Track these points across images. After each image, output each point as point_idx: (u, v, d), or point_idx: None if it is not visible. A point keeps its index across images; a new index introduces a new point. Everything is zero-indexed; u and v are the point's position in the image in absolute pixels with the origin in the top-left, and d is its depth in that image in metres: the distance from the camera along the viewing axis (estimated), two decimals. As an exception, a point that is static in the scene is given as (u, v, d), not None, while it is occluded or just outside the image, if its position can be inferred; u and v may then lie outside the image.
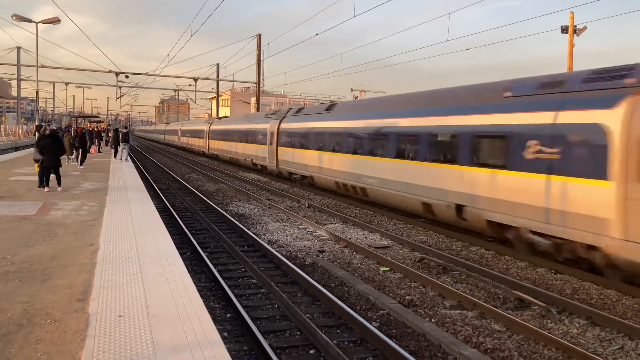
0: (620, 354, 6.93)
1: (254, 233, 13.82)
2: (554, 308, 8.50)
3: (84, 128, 33.06)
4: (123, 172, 22.58)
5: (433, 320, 7.97)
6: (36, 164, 16.96)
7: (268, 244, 12.71)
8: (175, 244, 9.07)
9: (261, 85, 47.67)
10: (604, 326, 7.86)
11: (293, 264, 10.63)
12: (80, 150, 25.02)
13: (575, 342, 7.21)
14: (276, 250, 11.82)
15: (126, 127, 40.95)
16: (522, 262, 11.59)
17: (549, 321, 8.05)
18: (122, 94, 57.59)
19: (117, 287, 6.38)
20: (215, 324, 5.39)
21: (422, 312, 8.30)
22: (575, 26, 24.63)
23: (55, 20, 31.58)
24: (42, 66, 41.25)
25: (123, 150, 30.01)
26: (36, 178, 16.41)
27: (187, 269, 7.51)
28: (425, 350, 6.90)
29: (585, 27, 24.86)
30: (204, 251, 11.56)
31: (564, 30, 24.69)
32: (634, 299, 9.08)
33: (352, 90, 74.03)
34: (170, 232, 10.17)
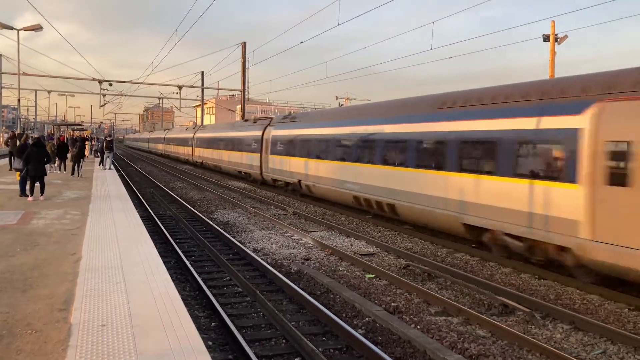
0: (603, 358, 7.00)
1: (239, 241, 13.76)
2: (538, 313, 8.56)
3: (73, 136, 32.67)
4: (107, 180, 22.37)
5: (418, 326, 7.98)
6: (17, 173, 16.72)
7: (253, 252, 12.65)
8: (160, 252, 8.99)
9: (246, 93, 47.62)
10: (587, 331, 7.93)
11: (278, 271, 10.59)
12: (63, 160, 24.81)
13: (558, 347, 7.27)
14: (261, 258, 11.77)
15: (110, 136, 40.63)
16: (506, 268, 11.68)
17: (533, 326, 8.11)
18: (105, 102, 57.13)
19: (99, 296, 6.30)
20: (199, 333, 5.35)
21: (408, 319, 8.31)
22: (556, 34, 25.01)
23: (37, 28, 31.29)
24: (24, 74, 40.81)
25: (107, 158, 29.76)
26: (17, 187, 16.18)
27: (172, 277, 7.45)
28: (410, 356, 6.90)
29: (566, 36, 25.25)
30: (188, 260, 11.47)
31: (546, 38, 25.06)
32: (616, 304, 9.19)
33: (337, 98, 74.33)
34: (154, 240, 10.08)
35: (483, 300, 9.29)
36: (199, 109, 76.74)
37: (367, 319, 8.30)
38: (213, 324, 7.89)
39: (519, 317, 8.47)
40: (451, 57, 26.91)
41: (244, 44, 44.54)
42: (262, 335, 7.49)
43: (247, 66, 44.92)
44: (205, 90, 58.44)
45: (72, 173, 23.97)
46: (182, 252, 12.08)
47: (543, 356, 6.91)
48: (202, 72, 57.75)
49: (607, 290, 9.64)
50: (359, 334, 7.29)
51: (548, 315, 8.59)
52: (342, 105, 65.71)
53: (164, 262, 8.25)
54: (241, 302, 9.06)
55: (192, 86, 51.19)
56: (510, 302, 8.83)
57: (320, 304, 8.55)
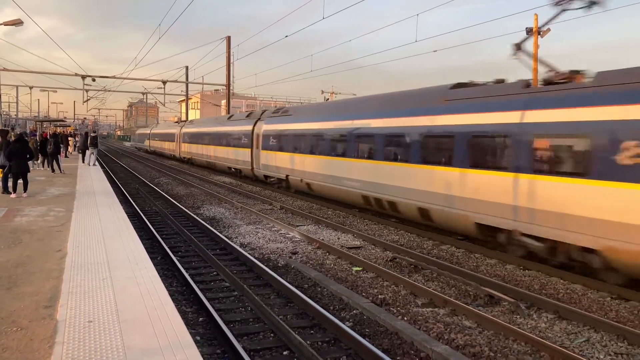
0: (587, 346, 7.12)
1: (225, 236, 13.73)
2: (523, 303, 8.67)
3: (55, 132, 32.19)
4: (91, 176, 22.17)
5: (405, 318, 8.05)
6: None
7: (240, 246, 12.64)
8: (146, 248, 8.95)
9: (231, 88, 47.38)
10: (570, 320, 8.06)
11: (266, 266, 10.60)
12: (46, 156, 24.53)
13: (543, 336, 7.38)
14: (249, 253, 11.77)
15: (94, 131, 40.21)
16: (491, 259, 11.80)
17: (518, 316, 8.21)
18: (88, 98, 56.50)
19: (86, 292, 6.27)
20: (187, 328, 5.35)
21: (395, 311, 8.38)
22: (539, 28, 25.18)
23: (17, 22, 30.77)
24: (4, 69, 40.19)
25: (91, 154, 29.48)
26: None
27: (158, 273, 7.42)
28: (398, 348, 6.96)
29: (549, 29, 25.43)
30: (175, 255, 11.43)
31: (529, 31, 25.21)
32: (599, 293, 9.34)
33: (322, 92, 74.16)
34: (140, 236, 10.03)
35: (469, 291, 9.39)
36: (183, 104, 76.20)
37: (354, 311, 8.35)
38: (201, 319, 7.88)
39: (505, 307, 8.58)
40: (436, 51, 27.00)
41: (229, 38, 44.28)
42: (250, 329, 7.50)
43: (231, 60, 44.67)
44: (189, 85, 58.07)
45: (53, 170, 23.73)
46: (168, 247, 12.03)
47: (528, 345, 7.01)
48: (187, 67, 57.34)
49: (590, 280, 9.79)
50: (347, 326, 7.33)
51: (533, 305, 8.71)
52: (328, 99, 65.65)
53: (151, 258, 8.22)
54: (229, 296, 9.06)
55: (176, 81, 50.76)
56: (495, 292, 8.94)
57: (308, 297, 8.58)
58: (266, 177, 25.56)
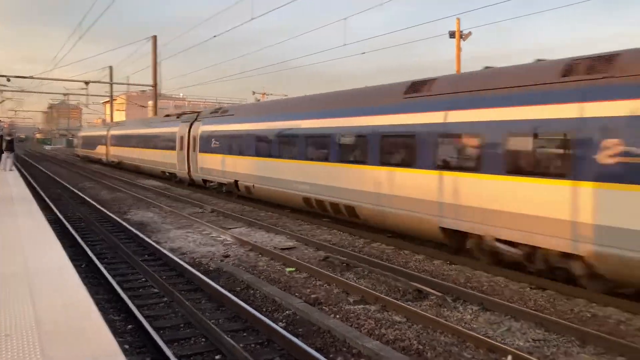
0: (508, 335, 7.50)
1: (154, 241, 13.37)
2: (450, 297, 9.02)
3: None
4: (8, 182, 20.90)
5: (338, 316, 8.16)
6: None
7: (170, 251, 12.35)
8: (69, 256, 8.54)
9: (158, 89, 46.13)
10: (494, 310, 8.46)
11: (197, 270, 10.41)
12: None
13: (468, 327, 7.70)
14: (179, 258, 11.52)
15: (10, 135, 37.92)
16: (420, 255, 12.18)
17: (445, 309, 8.53)
18: (3, 99, 53.25)
19: (2, 305, 5.91)
20: (115, 337, 5.16)
21: (328, 309, 8.47)
22: (461, 31, 26.23)
23: None
24: None
25: (7, 159, 27.79)
26: None
27: (83, 281, 7.11)
28: (331, 346, 7.05)
29: (470, 33, 26.54)
30: (101, 262, 11.00)
31: (452, 35, 26.22)
32: (520, 284, 9.86)
33: (254, 93, 73.63)
34: (63, 244, 9.57)
35: (399, 287, 9.64)
36: (108, 105, 73.34)
37: (287, 312, 8.37)
38: (129, 326, 7.64)
39: (432, 301, 8.88)
40: (364, 53, 27.51)
41: (155, 38, 43.13)
42: (181, 335, 7.36)
43: (158, 60, 43.53)
44: (114, 85, 56.02)
45: None
46: (94, 254, 11.56)
47: (454, 337, 7.30)
48: (111, 67, 55.39)
49: (511, 272, 10.31)
50: (280, 327, 7.35)
51: (459, 298, 9.07)
52: (259, 100, 65.26)
53: (75, 266, 7.86)
54: (158, 303, 8.83)
55: (99, 82, 48.82)
56: (423, 287, 9.24)
57: (240, 300, 8.52)
58: (205, 181, 24.02)
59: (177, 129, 27.45)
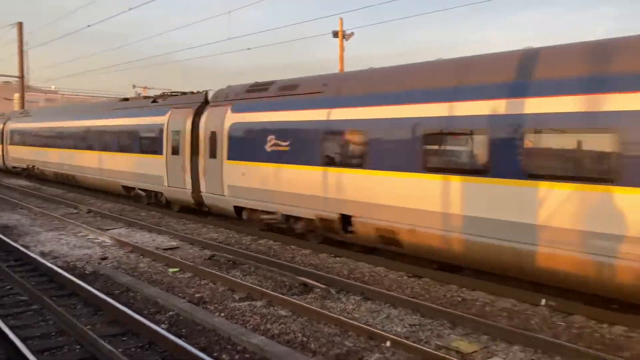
0: (387, 322, 7.86)
1: (22, 245, 12.32)
2: (334, 288, 9.27)
3: None
4: None
5: (223, 314, 8.06)
6: None
7: (40, 255, 11.43)
8: None
9: (26, 80, 42.45)
10: (374, 299, 8.83)
11: (71, 274, 9.75)
12: None
13: (351, 317, 7.97)
14: (50, 262, 10.71)
15: None
16: (306, 249, 12.39)
17: (329, 301, 8.76)
18: None
19: None
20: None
21: (212, 308, 8.34)
22: (344, 31, 26.99)
23: None
24: None
25: None
26: None
27: None
28: (215, 344, 6.95)
29: (352, 33, 27.38)
30: (-43, 271, 9.91)
31: (335, 34, 26.89)
32: (397, 273, 10.38)
33: (134, 86, 70.25)
34: None
35: (285, 281, 9.74)
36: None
37: (170, 312, 8.12)
38: (-9, 339, 6.97)
39: (317, 293, 9.08)
40: (250, 49, 27.40)
41: (20, 24, 39.64)
42: (52, 344, 6.85)
43: (24, 49, 40.05)
44: (-28, 75, 50.55)
45: None
46: (-52, 262, 10.38)
47: (337, 327, 7.52)
48: (-32, 55, 49.95)
49: (391, 262, 10.83)
50: (162, 328, 7.12)
51: (342, 289, 9.36)
52: (140, 94, 62.40)
53: None
54: (26, 311, 8.14)
55: (-45, 71, 43.84)
56: (309, 280, 9.42)
57: (120, 303, 8.11)
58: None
59: (164, 119, 17.24)
